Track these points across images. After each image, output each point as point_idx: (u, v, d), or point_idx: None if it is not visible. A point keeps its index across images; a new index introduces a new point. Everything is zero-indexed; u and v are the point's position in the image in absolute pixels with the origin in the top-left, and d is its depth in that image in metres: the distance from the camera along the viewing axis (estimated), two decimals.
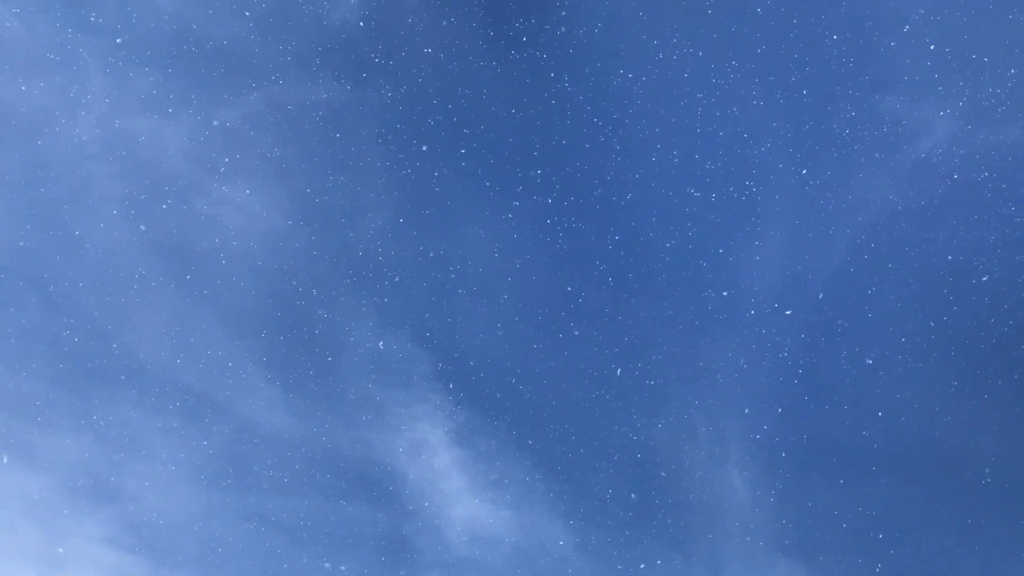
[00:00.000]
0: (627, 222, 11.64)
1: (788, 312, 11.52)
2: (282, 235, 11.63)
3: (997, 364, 11.10)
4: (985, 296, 11.00)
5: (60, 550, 12.19)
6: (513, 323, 11.86)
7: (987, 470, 11.23)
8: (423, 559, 12.38)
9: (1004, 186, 10.85)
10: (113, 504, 12.26)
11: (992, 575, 11.33)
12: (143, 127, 11.31)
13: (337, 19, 11.22)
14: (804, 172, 11.28)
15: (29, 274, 11.52)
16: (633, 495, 12.09)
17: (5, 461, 11.83)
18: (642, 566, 12.10)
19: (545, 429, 12.06)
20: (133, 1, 11.00)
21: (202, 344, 11.89)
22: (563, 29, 11.20)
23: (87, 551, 12.30)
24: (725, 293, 11.64)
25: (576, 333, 11.87)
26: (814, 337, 11.56)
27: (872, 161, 11.16)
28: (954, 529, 11.37)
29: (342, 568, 12.29)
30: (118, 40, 11.03)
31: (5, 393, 11.74)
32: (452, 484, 12.29)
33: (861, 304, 11.36)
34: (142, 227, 11.47)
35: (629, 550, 12.12)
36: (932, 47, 10.72)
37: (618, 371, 11.62)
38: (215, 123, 11.28)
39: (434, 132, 11.45)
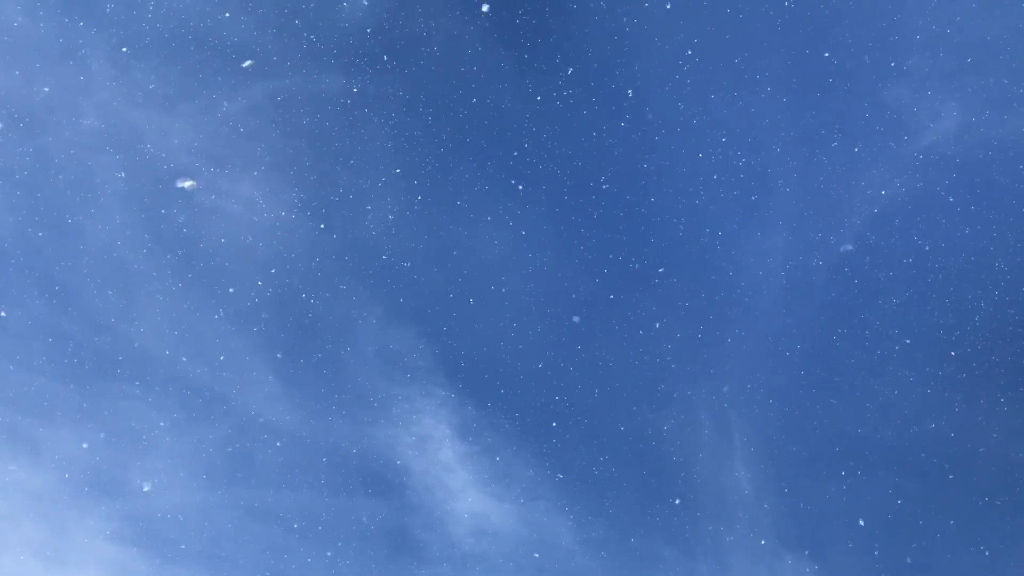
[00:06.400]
0: (632, 218, 11.64)
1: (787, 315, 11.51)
2: (287, 229, 11.61)
3: (1002, 359, 11.13)
4: (991, 291, 11.02)
5: (62, 545, 12.19)
6: (518, 318, 11.87)
7: (992, 466, 11.26)
8: (428, 553, 12.39)
9: (1009, 180, 10.87)
10: (116, 499, 12.25)
11: (995, 572, 11.36)
12: (147, 120, 11.28)
13: (346, 13, 11.19)
14: (809, 167, 11.30)
15: (32, 268, 11.50)
16: (638, 490, 12.12)
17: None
18: (647, 561, 12.12)
19: (550, 423, 12.07)
20: None
21: (206, 338, 11.88)
22: (571, 28, 11.19)
23: (90, 545, 12.29)
24: (730, 290, 11.66)
25: (581, 328, 11.88)
26: (820, 333, 11.58)
27: (877, 155, 11.17)
28: (958, 525, 11.41)
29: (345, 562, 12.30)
30: (122, 33, 10.99)
31: (8, 388, 11.71)
32: (457, 478, 12.30)
33: (867, 299, 11.38)
34: (146, 221, 11.45)
35: (634, 544, 12.15)
36: (938, 41, 10.73)
37: (626, 361, 11.62)
38: (220, 116, 11.25)
39: (441, 128, 11.44)
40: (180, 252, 11.60)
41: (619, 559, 12.17)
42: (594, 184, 11.58)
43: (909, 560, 11.55)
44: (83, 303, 11.62)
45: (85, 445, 11.93)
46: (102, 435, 12.00)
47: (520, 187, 11.63)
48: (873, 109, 11.05)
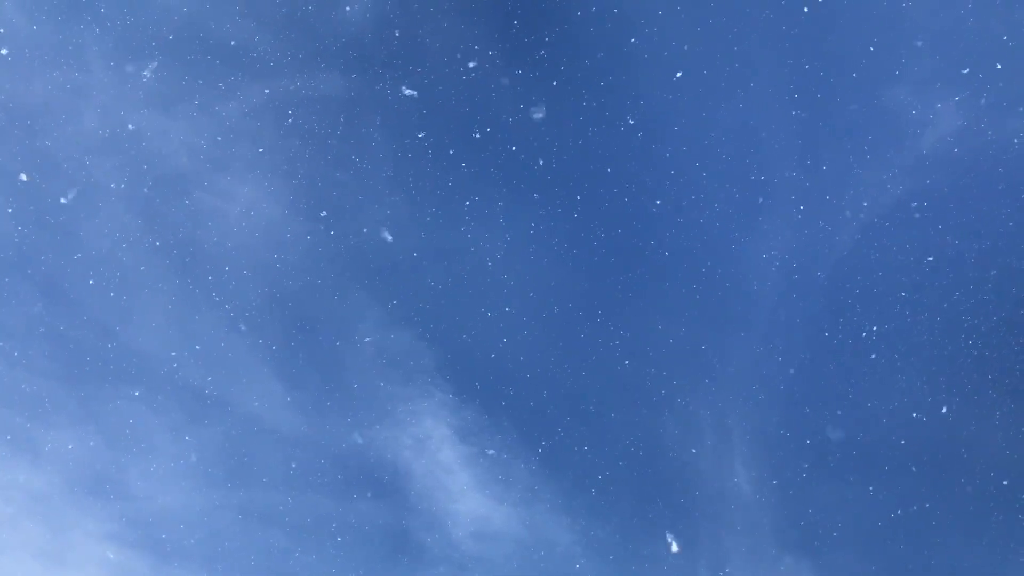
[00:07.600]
0: (632, 219, 11.64)
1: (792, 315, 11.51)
2: (286, 230, 11.60)
3: (1003, 361, 11.14)
4: (992, 292, 11.03)
5: (62, 546, 12.18)
6: (518, 319, 11.86)
7: (992, 468, 11.28)
8: (427, 555, 12.40)
9: (1010, 182, 10.87)
10: (115, 500, 12.25)
11: (995, 572, 11.38)
12: (146, 122, 11.26)
13: (346, 13, 11.17)
14: (809, 169, 11.29)
15: (31, 270, 11.48)
16: (638, 492, 12.12)
17: None
18: (647, 561, 12.13)
19: (550, 425, 12.07)
20: None
21: (205, 340, 11.87)
22: (572, 29, 11.17)
23: (88, 547, 12.28)
24: (731, 291, 11.66)
25: (581, 329, 11.88)
26: (819, 333, 11.58)
27: (877, 157, 11.16)
28: (958, 526, 11.43)
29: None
30: (122, 34, 10.97)
31: (7, 389, 11.70)
32: (457, 480, 12.30)
33: (867, 301, 11.38)
34: (145, 223, 11.44)
35: (634, 546, 12.15)
36: (938, 42, 10.72)
37: (626, 362, 11.65)
38: (220, 117, 11.23)
39: (441, 128, 11.42)
40: (179, 253, 11.60)
41: (619, 560, 12.18)
42: (594, 185, 11.58)
43: (908, 561, 11.57)
44: (82, 304, 11.61)
45: (90, 444, 11.93)
46: (101, 436, 12.00)
47: (520, 188, 11.63)
48: (873, 111, 11.05)
